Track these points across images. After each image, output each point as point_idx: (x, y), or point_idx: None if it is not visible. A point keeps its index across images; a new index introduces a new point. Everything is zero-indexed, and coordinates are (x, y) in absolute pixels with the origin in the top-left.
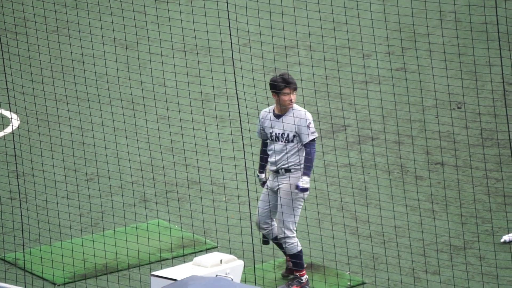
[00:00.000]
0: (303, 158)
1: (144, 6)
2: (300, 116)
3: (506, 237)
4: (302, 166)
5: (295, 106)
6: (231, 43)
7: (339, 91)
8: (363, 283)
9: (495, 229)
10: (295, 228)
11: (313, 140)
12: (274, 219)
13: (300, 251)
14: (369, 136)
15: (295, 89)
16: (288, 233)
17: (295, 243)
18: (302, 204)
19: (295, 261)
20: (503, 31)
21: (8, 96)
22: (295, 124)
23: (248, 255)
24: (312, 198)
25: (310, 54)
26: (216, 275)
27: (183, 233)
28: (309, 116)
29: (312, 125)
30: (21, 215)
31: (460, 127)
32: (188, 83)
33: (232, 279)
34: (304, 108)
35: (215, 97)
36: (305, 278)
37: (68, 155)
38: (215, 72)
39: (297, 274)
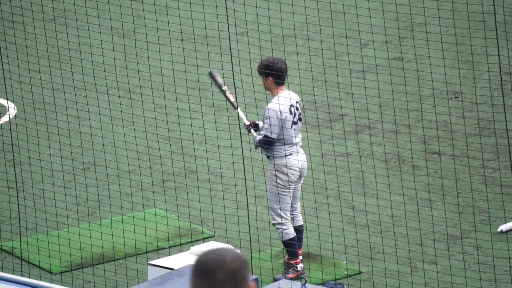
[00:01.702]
0: (286, 146)
1: None
2: (267, 106)
3: (503, 227)
4: (285, 152)
5: (281, 93)
6: (229, 32)
7: (337, 80)
8: (360, 272)
9: (492, 219)
10: (284, 215)
11: (266, 135)
12: (297, 207)
13: (292, 239)
14: (366, 125)
15: (262, 74)
16: (277, 219)
17: (286, 230)
18: (286, 190)
19: (288, 249)
20: (501, 21)
21: (5, 84)
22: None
23: (245, 244)
24: (309, 187)
25: (308, 43)
26: None
27: (180, 222)
28: (271, 111)
29: (268, 122)
30: (18, 204)
31: (457, 116)
32: (185, 72)
33: None
34: (302, 97)
35: (212, 86)
36: (300, 266)
37: (65, 144)
38: (212, 61)
39: (292, 262)
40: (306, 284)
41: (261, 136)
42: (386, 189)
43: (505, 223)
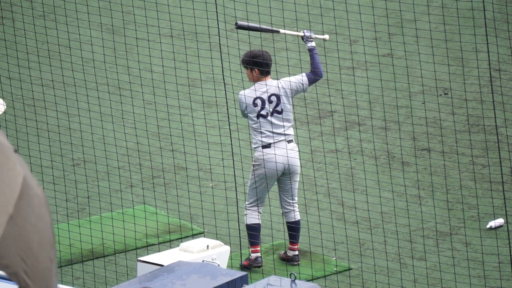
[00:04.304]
0: (256, 137)
1: None
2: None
3: (492, 223)
4: (261, 144)
5: (260, 83)
6: (218, 28)
7: (326, 77)
8: (349, 269)
9: (481, 215)
10: (250, 202)
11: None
12: (292, 201)
13: (252, 226)
14: (355, 122)
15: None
16: (247, 202)
17: (248, 216)
18: (254, 180)
19: (248, 232)
20: (490, 17)
21: None
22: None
23: (234, 241)
24: (299, 184)
25: (297, 40)
26: (203, 261)
27: (169, 219)
28: (239, 98)
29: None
30: None
31: (447, 113)
32: (175, 68)
33: (218, 265)
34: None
35: (202, 83)
36: (254, 255)
37: (55, 140)
38: (202, 57)
39: (250, 249)
40: (296, 280)
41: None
42: (376, 186)
43: (494, 219)
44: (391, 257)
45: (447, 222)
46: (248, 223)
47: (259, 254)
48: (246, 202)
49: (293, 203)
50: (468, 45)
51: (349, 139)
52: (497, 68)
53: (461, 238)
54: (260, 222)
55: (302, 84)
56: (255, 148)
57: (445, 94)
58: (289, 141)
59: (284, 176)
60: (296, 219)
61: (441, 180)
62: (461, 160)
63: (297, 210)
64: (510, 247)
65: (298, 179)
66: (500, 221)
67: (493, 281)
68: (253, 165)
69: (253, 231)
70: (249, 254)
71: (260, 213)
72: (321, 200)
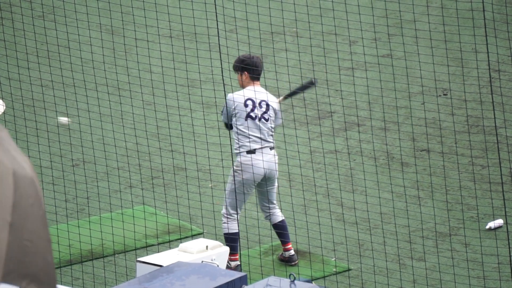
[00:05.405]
0: (240, 141)
1: None
2: None
3: (491, 224)
4: (240, 150)
5: (249, 87)
6: (218, 29)
7: (325, 78)
8: (349, 270)
9: (480, 216)
10: (229, 211)
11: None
12: (270, 205)
13: (229, 235)
14: (355, 122)
15: (238, 70)
16: (224, 210)
17: (227, 225)
18: (234, 186)
19: (227, 243)
20: (489, 18)
21: None
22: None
23: None
24: (298, 184)
25: (297, 40)
26: (202, 261)
27: (169, 219)
28: (228, 99)
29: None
30: None
31: (446, 113)
32: (174, 69)
33: (218, 265)
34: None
35: (201, 83)
36: (234, 263)
37: (54, 141)
38: (201, 58)
39: (229, 257)
40: (295, 281)
41: None
42: (375, 186)
43: (494, 220)
44: (391, 257)
45: (447, 222)
46: (226, 233)
47: (238, 262)
48: (224, 211)
49: (271, 206)
50: (467, 45)
51: (349, 140)
52: (497, 68)
53: (460, 238)
54: (238, 230)
55: (280, 113)
56: (238, 153)
57: (444, 94)
58: (271, 148)
59: (261, 181)
60: (278, 220)
61: (440, 180)
62: (461, 160)
63: (278, 211)
64: (509, 247)
65: (276, 184)
66: (499, 221)
67: (493, 282)
68: (235, 170)
69: (233, 241)
70: (228, 262)
71: (237, 220)
72: (320, 201)
